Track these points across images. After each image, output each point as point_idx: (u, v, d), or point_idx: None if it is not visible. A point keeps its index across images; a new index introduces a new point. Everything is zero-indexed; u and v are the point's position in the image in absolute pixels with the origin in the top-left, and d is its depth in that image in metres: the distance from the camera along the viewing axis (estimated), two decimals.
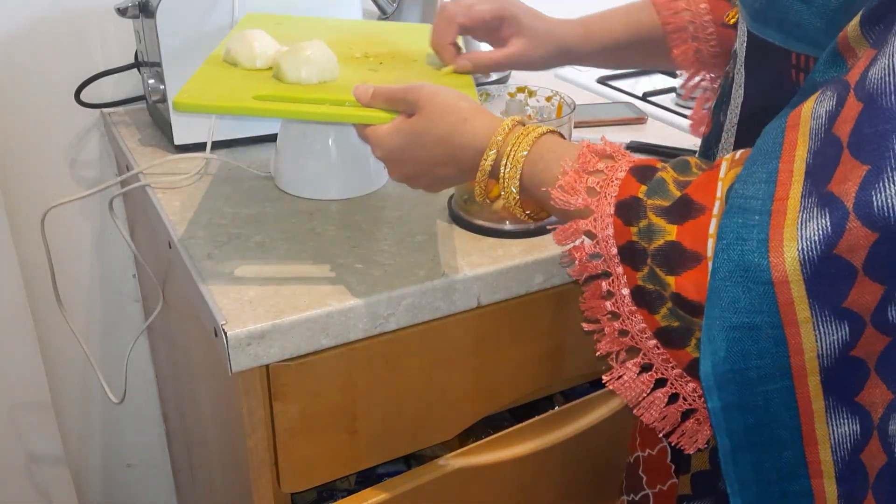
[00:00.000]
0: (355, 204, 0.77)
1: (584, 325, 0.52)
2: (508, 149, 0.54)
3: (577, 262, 0.50)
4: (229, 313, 0.59)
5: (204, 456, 0.93)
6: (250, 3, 0.83)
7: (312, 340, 0.61)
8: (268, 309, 0.60)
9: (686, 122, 1.05)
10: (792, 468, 0.43)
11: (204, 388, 0.81)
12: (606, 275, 0.48)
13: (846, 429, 0.42)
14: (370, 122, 0.60)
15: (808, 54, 0.50)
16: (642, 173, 0.47)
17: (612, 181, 0.48)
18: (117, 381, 1.13)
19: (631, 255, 0.46)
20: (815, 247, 0.38)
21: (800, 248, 0.39)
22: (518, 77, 1.12)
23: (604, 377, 0.51)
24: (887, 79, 0.37)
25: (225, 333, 0.57)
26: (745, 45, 0.56)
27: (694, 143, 0.95)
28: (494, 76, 1.05)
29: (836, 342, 0.40)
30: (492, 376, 0.74)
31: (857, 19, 0.41)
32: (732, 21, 0.68)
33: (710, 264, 0.42)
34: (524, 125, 0.55)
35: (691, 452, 0.52)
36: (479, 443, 0.77)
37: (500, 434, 0.78)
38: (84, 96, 0.95)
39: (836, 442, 0.42)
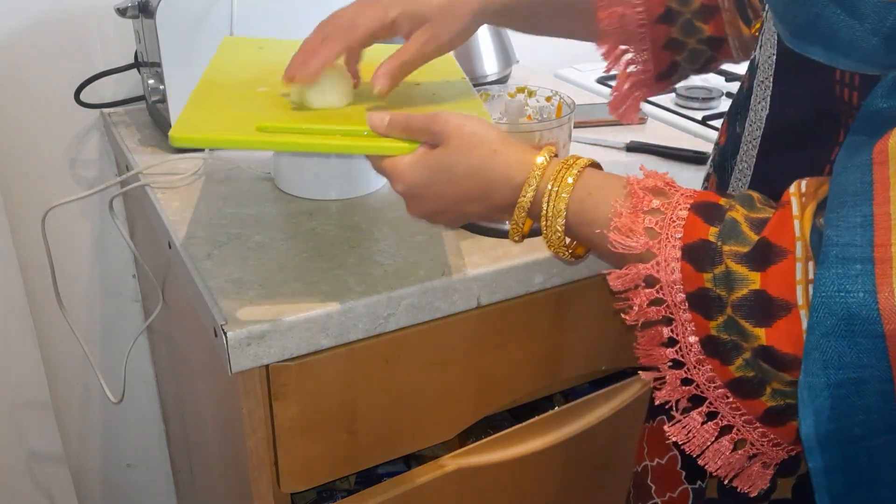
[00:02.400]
0: (355, 204, 0.77)
1: (642, 374, 0.48)
2: (549, 185, 0.50)
3: (635, 308, 0.46)
4: (229, 313, 0.59)
5: (204, 456, 0.93)
6: (249, 2, 0.83)
7: (312, 340, 0.61)
8: (268, 309, 0.60)
9: (686, 123, 1.05)
10: None
11: (204, 389, 0.81)
12: (668, 321, 0.45)
13: None
14: (388, 154, 0.55)
15: (855, 71, 0.46)
16: (707, 212, 0.44)
17: (674, 221, 0.45)
18: (117, 382, 1.13)
19: (703, 302, 0.43)
20: None
21: None
22: (518, 77, 1.12)
23: (666, 427, 0.48)
24: None
25: (225, 334, 0.57)
26: (773, 57, 0.53)
27: (693, 143, 0.95)
28: (493, 77, 1.05)
29: None
30: (492, 376, 0.74)
31: None
32: (755, 31, 0.67)
33: (802, 314, 0.39)
34: (557, 156, 0.52)
35: (754, 495, 0.49)
36: (479, 443, 0.77)
37: (500, 434, 0.78)
38: (84, 96, 0.95)
39: None
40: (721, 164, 0.62)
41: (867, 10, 0.42)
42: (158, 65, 0.83)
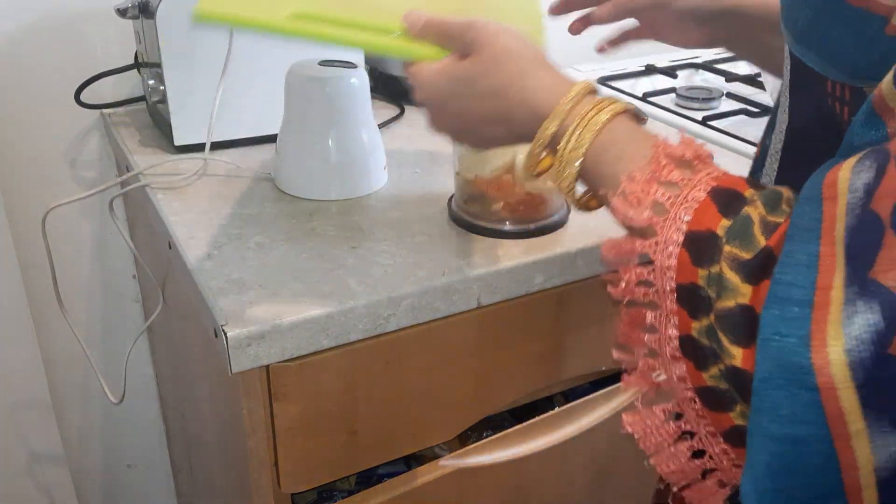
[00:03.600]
0: (355, 204, 0.77)
1: (615, 352, 0.45)
2: (575, 125, 0.46)
3: (622, 284, 0.43)
4: (229, 314, 0.59)
5: (204, 456, 0.93)
6: None
7: (312, 341, 0.61)
8: (268, 309, 0.60)
9: (686, 123, 1.05)
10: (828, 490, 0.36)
11: (204, 389, 0.81)
12: (654, 306, 0.42)
13: (888, 450, 0.35)
14: (416, 59, 0.51)
15: (843, 83, 0.44)
16: (726, 201, 0.40)
17: (687, 200, 0.40)
18: (117, 382, 1.12)
19: (690, 298, 0.39)
20: (865, 346, 0.32)
21: (847, 348, 0.32)
22: None
23: (624, 415, 0.44)
24: None
25: (225, 334, 0.57)
26: (788, 67, 0.50)
27: None
28: None
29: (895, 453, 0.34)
30: (492, 377, 0.74)
31: (890, 75, 0.36)
32: None
33: None
34: (594, 93, 0.48)
35: None
36: (479, 443, 0.77)
37: (500, 434, 0.78)
38: (84, 97, 0.95)
39: (878, 465, 0.35)
40: (753, 174, 0.58)
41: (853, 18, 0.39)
42: (159, 65, 0.83)
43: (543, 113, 0.47)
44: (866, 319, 0.32)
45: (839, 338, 0.32)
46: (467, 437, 0.82)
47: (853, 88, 0.43)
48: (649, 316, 0.42)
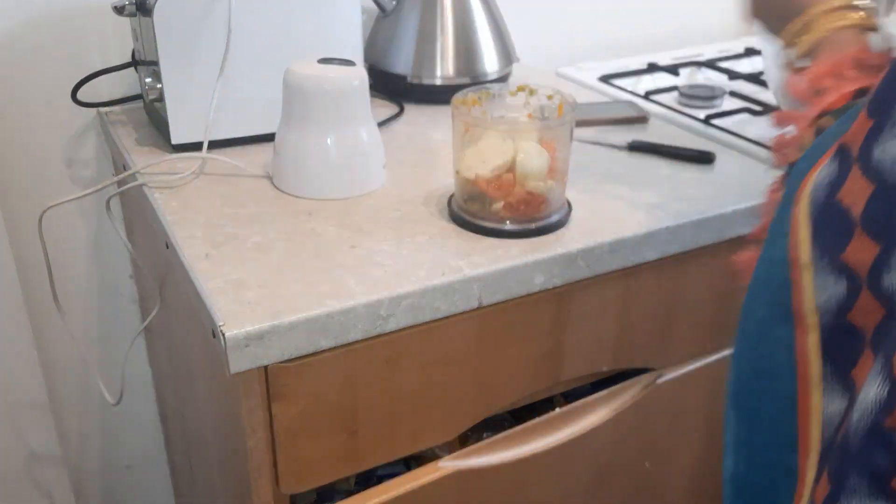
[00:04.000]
0: (355, 204, 0.77)
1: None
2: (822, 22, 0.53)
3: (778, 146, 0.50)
4: (227, 314, 0.59)
5: (203, 457, 0.92)
6: (247, 1, 0.82)
7: (312, 341, 0.61)
8: (266, 309, 0.59)
9: (689, 122, 1.05)
10: (782, 431, 0.42)
11: (202, 389, 0.81)
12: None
13: (836, 406, 0.39)
14: None
15: None
16: (839, 112, 0.47)
17: (829, 98, 0.47)
18: (115, 383, 1.12)
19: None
20: (821, 189, 0.39)
21: (811, 190, 0.40)
22: (519, 75, 1.12)
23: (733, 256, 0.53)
24: None
25: (223, 334, 0.57)
26: None
27: (696, 142, 0.95)
28: (494, 75, 1.05)
29: (833, 297, 0.39)
30: (492, 377, 0.73)
31: None
32: None
33: None
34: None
35: None
36: (479, 444, 0.77)
37: (500, 435, 0.78)
38: (81, 95, 0.94)
39: (826, 418, 0.40)
40: None
41: None
42: (156, 63, 0.83)
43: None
44: (828, 170, 0.41)
45: (811, 183, 0.41)
46: (467, 438, 0.82)
47: None
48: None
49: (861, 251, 0.38)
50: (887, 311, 0.37)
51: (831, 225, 0.38)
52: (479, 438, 0.79)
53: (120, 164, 0.94)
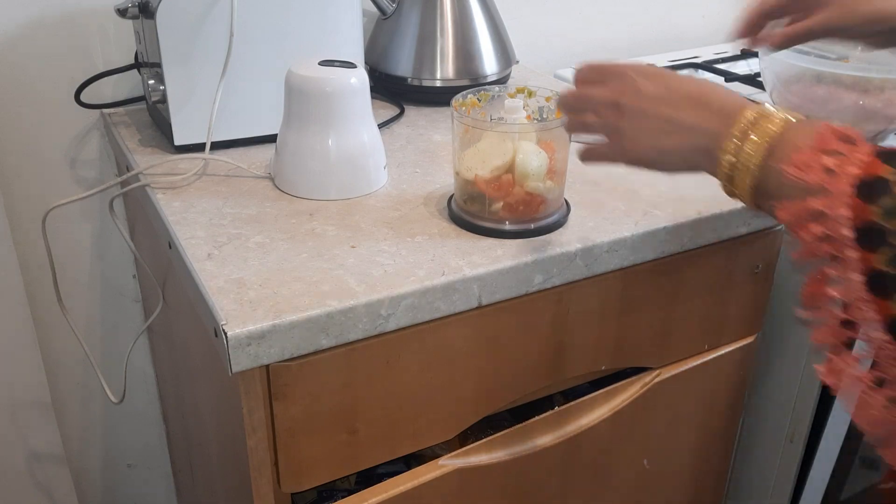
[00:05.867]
0: (355, 204, 0.77)
1: (800, 311, 0.47)
2: (766, 125, 0.51)
3: (804, 245, 0.46)
4: (229, 313, 0.59)
5: (204, 456, 0.93)
6: (249, 3, 0.83)
7: (312, 340, 0.61)
8: (268, 309, 0.60)
9: None
10: None
11: (204, 389, 0.81)
12: (835, 259, 0.45)
13: None
14: None
15: None
16: (889, 157, 0.44)
17: (853, 162, 0.45)
18: (117, 381, 1.13)
19: (869, 236, 0.43)
20: None
21: None
22: (517, 77, 1.12)
23: (817, 366, 0.47)
24: None
25: (225, 334, 0.57)
26: None
27: None
28: (493, 77, 1.05)
29: None
30: (492, 376, 0.74)
31: None
32: None
33: None
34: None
35: None
36: (479, 443, 0.77)
37: (500, 434, 0.78)
38: (84, 97, 0.95)
39: None
40: None
41: None
42: (159, 65, 0.83)
43: (737, 108, 0.52)
44: None
45: None
46: (467, 437, 0.82)
47: None
48: (832, 270, 0.45)
49: None
50: None
51: None
52: (479, 437, 0.79)
53: (123, 165, 0.94)
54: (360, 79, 0.77)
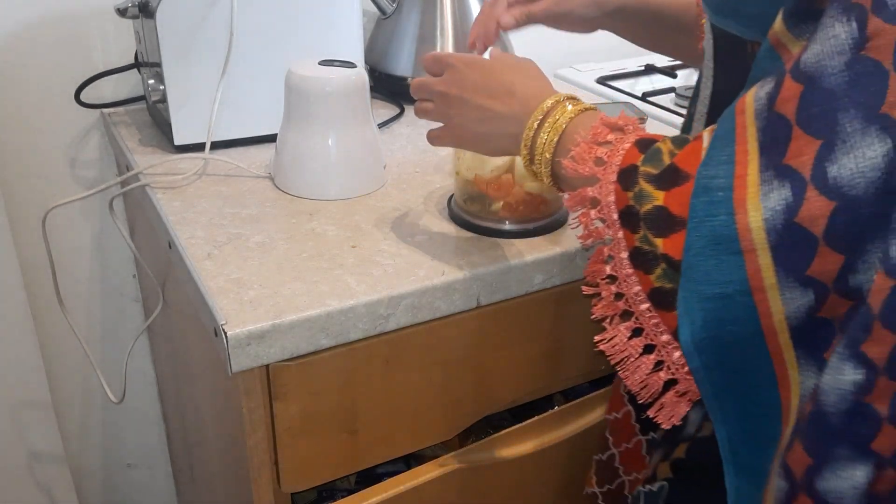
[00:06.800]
0: (355, 204, 0.77)
1: (584, 288, 0.53)
2: (557, 116, 0.56)
3: (584, 229, 0.52)
4: (229, 313, 0.59)
5: (204, 456, 0.93)
6: (249, 3, 0.83)
7: (312, 340, 0.61)
8: (268, 309, 0.60)
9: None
10: (768, 406, 0.47)
11: (204, 388, 0.81)
12: (609, 240, 0.50)
13: (810, 382, 0.45)
14: None
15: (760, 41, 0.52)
16: (645, 144, 0.50)
17: (619, 152, 0.50)
18: (117, 381, 1.13)
19: (629, 219, 0.48)
20: (778, 216, 0.42)
21: (764, 217, 0.42)
22: None
23: (595, 337, 0.52)
24: (823, 62, 0.41)
25: (225, 333, 0.57)
26: (711, 40, 0.60)
27: None
28: None
29: (802, 306, 0.43)
30: (492, 376, 0.74)
31: (780, 17, 0.46)
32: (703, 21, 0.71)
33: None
34: (567, 101, 0.58)
35: (666, 428, 0.53)
36: (479, 443, 0.77)
37: (500, 434, 0.78)
38: (84, 97, 0.95)
39: (803, 389, 0.45)
40: None
41: None
42: (159, 65, 0.83)
43: (539, 101, 0.58)
44: (780, 194, 0.42)
45: (758, 210, 0.42)
46: (467, 437, 0.82)
47: None
48: (606, 249, 0.50)
49: (826, 264, 0.42)
50: (855, 303, 0.42)
51: (794, 246, 0.42)
52: (479, 437, 0.79)
53: (123, 165, 0.95)
54: (359, 79, 0.77)
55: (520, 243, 0.70)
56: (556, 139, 0.56)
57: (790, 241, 0.42)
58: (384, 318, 0.63)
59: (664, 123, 1.04)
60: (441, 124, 0.64)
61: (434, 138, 0.65)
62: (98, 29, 0.98)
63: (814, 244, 0.41)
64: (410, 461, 0.84)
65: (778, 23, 0.46)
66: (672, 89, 1.15)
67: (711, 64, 0.61)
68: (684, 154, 0.47)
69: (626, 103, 1.08)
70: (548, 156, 0.56)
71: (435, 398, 0.71)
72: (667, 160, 0.48)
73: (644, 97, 1.13)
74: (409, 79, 1.03)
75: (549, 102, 0.57)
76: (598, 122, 0.53)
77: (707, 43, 0.61)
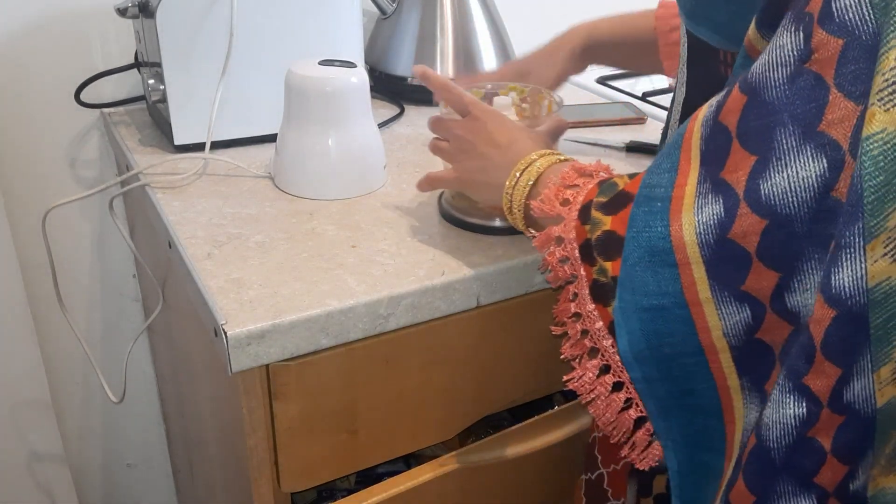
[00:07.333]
0: (355, 204, 0.77)
1: (552, 328, 0.54)
2: (538, 164, 0.58)
3: (551, 269, 0.52)
4: (229, 313, 0.59)
5: (204, 456, 0.93)
6: (249, 3, 0.83)
7: (312, 340, 0.61)
8: (268, 309, 0.60)
9: None
10: (713, 434, 0.46)
11: (204, 388, 0.81)
12: (574, 278, 0.50)
13: (753, 416, 0.44)
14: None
15: (734, 52, 0.52)
16: (604, 184, 0.51)
17: (583, 192, 0.51)
18: (117, 381, 1.13)
19: (587, 252, 0.48)
20: (711, 230, 0.41)
21: (697, 231, 0.42)
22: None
23: (565, 377, 0.52)
24: (767, 73, 0.40)
25: (225, 333, 0.57)
26: (685, 45, 0.60)
27: None
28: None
29: (739, 323, 0.42)
30: (492, 376, 0.74)
31: (753, 23, 0.45)
32: None
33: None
34: (548, 157, 0.60)
35: (643, 468, 0.52)
36: (478, 443, 0.77)
37: (500, 434, 0.78)
38: (84, 96, 0.95)
39: (746, 423, 0.45)
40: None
41: None
42: (159, 65, 0.83)
43: (524, 152, 0.61)
44: (713, 209, 0.41)
45: (692, 224, 0.42)
46: (467, 437, 0.82)
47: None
48: (571, 288, 0.50)
49: (761, 280, 0.41)
50: (794, 327, 0.41)
51: (727, 261, 0.41)
52: (479, 437, 0.79)
53: (123, 165, 0.95)
54: (359, 78, 0.77)
55: (519, 243, 0.70)
56: (531, 183, 0.58)
57: (723, 256, 0.41)
58: (384, 317, 0.63)
59: (664, 123, 1.04)
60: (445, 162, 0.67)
61: (435, 180, 0.68)
62: (98, 29, 0.98)
63: (747, 260, 0.41)
64: (410, 461, 0.84)
65: (752, 29, 0.45)
66: (672, 89, 1.15)
67: (685, 69, 0.60)
68: (635, 180, 0.47)
69: (626, 103, 1.08)
70: (521, 200, 0.58)
71: (435, 398, 0.71)
72: (619, 188, 0.49)
73: (644, 97, 1.13)
74: (410, 79, 1.03)
75: (533, 155, 0.59)
76: (569, 167, 0.55)
77: (682, 49, 0.61)
